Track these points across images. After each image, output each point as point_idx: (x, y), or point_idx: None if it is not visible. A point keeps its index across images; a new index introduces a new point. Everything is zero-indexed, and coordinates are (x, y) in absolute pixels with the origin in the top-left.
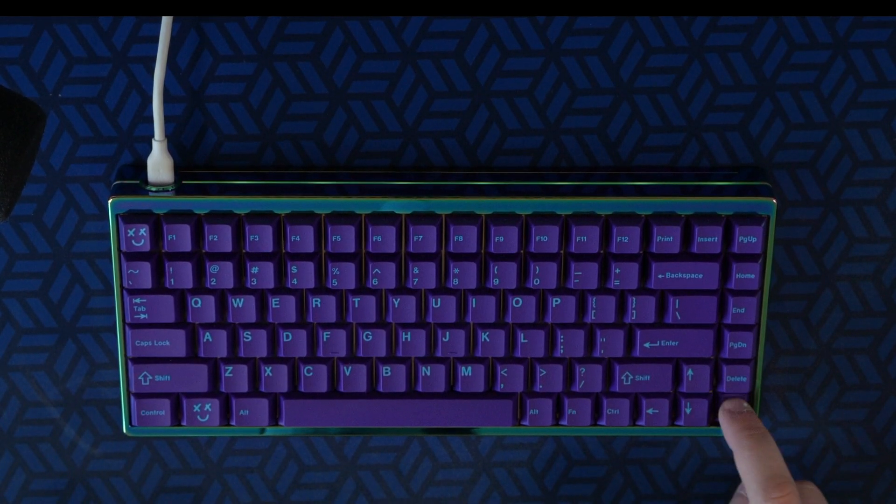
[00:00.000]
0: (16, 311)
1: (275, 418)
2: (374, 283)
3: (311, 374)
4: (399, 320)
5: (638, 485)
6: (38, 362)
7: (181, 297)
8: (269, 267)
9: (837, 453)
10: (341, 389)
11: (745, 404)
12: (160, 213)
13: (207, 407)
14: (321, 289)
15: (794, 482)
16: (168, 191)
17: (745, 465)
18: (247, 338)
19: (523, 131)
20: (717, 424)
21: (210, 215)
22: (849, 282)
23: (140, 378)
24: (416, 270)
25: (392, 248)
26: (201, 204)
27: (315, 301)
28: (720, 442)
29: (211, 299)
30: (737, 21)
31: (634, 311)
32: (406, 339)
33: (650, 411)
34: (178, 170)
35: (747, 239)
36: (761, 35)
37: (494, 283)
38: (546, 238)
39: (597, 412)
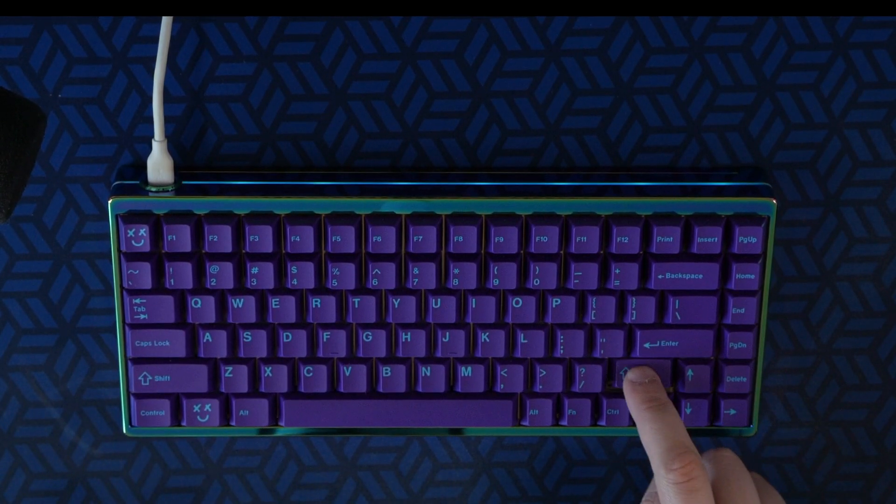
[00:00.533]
0: (16, 312)
1: (275, 418)
2: (374, 283)
3: (311, 374)
4: (399, 321)
5: (638, 485)
6: (38, 362)
7: (181, 298)
8: (269, 267)
9: (837, 453)
10: (341, 390)
11: (650, 373)
12: (160, 213)
13: (207, 407)
14: (321, 289)
15: (712, 452)
16: (168, 191)
17: (646, 437)
18: (247, 338)
19: (523, 131)
20: (718, 425)
21: (210, 215)
22: (849, 282)
23: (140, 378)
24: (416, 271)
25: (392, 249)
26: (201, 204)
27: (315, 301)
28: (720, 442)
29: (211, 299)
30: (737, 21)
31: (634, 312)
32: (406, 339)
33: None
34: (178, 170)
35: (747, 239)
36: (761, 35)
37: (494, 283)
38: (546, 238)
39: (597, 412)
